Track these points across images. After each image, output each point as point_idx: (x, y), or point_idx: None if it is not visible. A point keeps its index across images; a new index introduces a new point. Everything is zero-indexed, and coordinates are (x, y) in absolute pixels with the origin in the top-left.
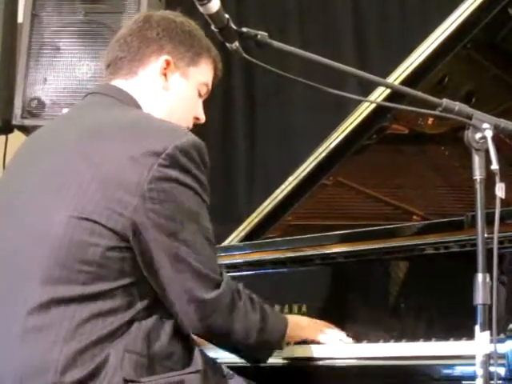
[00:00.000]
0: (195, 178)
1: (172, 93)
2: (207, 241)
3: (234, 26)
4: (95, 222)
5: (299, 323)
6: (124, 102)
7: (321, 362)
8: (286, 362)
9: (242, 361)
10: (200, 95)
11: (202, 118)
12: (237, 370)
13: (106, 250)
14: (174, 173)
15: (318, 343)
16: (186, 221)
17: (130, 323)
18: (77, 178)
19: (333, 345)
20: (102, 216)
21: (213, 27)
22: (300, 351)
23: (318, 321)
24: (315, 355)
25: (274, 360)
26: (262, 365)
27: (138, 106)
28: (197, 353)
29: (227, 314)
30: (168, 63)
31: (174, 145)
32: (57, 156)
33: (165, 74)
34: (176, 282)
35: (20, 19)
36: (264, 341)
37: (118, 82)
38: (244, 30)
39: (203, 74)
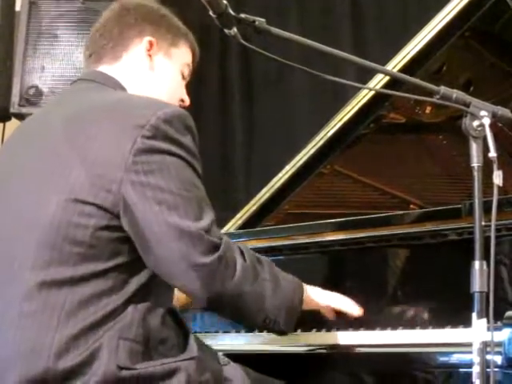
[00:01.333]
0: (180, 146)
1: (158, 73)
2: (200, 205)
3: (232, 12)
4: (83, 201)
5: (312, 288)
6: (109, 86)
7: (317, 350)
8: (282, 348)
9: (237, 348)
10: (183, 77)
11: (187, 100)
12: (232, 357)
13: (96, 229)
14: (158, 143)
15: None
16: (175, 188)
17: (123, 306)
18: (62, 161)
19: (329, 332)
20: (89, 194)
21: (211, 13)
22: (296, 339)
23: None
24: (311, 342)
25: (269, 347)
26: (260, 351)
27: (123, 89)
28: (191, 339)
29: (231, 276)
30: (151, 44)
31: (156, 116)
32: (43, 142)
33: (149, 56)
34: (172, 251)
35: (18, 7)
36: (282, 302)
37: (103, 68)
38: (242, 16)
39: (184, 54)
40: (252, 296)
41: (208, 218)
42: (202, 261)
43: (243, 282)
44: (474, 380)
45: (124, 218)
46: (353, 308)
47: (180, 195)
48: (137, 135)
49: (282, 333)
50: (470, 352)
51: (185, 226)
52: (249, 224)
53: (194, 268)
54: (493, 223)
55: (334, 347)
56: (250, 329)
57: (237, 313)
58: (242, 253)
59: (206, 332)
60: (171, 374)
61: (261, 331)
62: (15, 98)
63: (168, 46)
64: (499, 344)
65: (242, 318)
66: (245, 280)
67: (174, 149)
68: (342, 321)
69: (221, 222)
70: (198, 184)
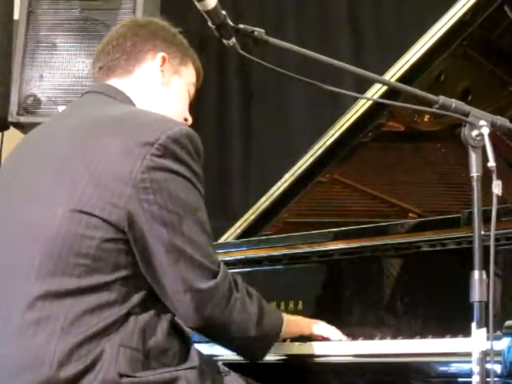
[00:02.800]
0: (188, 168)
1: (168, 88)
2: (203, 230)
3: (230, 23)
4: (90, 214)
5: (295, 319)
6: (118, 100)
7: (317, 360)
8: (281, 358)
9: (238, 358)
10: (189, 95)
11: (190, 120)
12: (233, 367)
13: (102, 242)
14: (166, 162)
15: (314, 339)
16: (180, 210)
17: (126, 317)
18: (70, 173)
19: (329, 341)
20: (96, 207)
21: (210, 24)
22: (296, 348)
23: (314, 320)
24: (311, 352)
25: (270, 357)
26: (259, 362)
27: (132, 104)
28: (193, 349)
29: (224, 304)
30: (164, 60)
31: (166, 135)
32: (51, 153)
33: (162, 71)
34: (172, 272)
35: (16, 16)
36: (262, 334)
37: (114, 81)
38: (241, 26)
39: (191, 74)
40: (236, 326)
41: (208, 243)
42: (199, 286)
43: (233, 313)
44: None
45: (129, 233)
46: (334, 336)
47: (185, 219)
48: (146, 152)
49: (253, 359)
50: (470, 361)
51: (188, 251)
52: (248, 233)
53: (190, 292)
54: (492, 232)
55: (334, 357)
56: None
57: (218, 339)
58: (236, 284)
59: (206, 342)
60: (171, 382)
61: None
62: (13, 107)
63: (178, 65)
64: (499, 353)
65: (220, 343)
66: (235, 310)
67: (182, 170)
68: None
69: (219, 230)
70: (202, 207)
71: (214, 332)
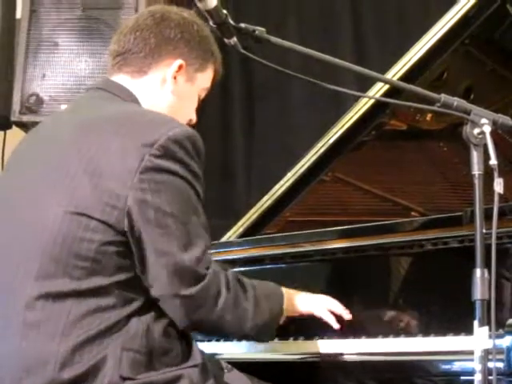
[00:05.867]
0: (188, 169)
1: (177, 96)
2: (197, 232)
3: (232, 22)
4: (89, 216)
5: (292, 299)
6: (122, 98)
7: (319, 358)
8: (284, 357)
9: (241, 356)
10: (199, 99)
11: (194, 120)
12: (236, 364)
13: (101, 245)
14: (166, 163)
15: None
16: (175, 212)
17: (127, 319)
18: (69, 172)
19: (330, 339)
20: (95, 210)
21: (211, 23)
22: (297, 347)
23: (315, 295)
24: (313, 350)
25: (272, 356)
26: (262, 360)
27: (137, 103)
28: (195, 347)
29: (213, 307)
30: (180, 68)
31: (166, 136)
32: (52, 151)
33: (175, 78)
34: (160, 277)
35: (18, 15)
36: (260, 326)
37: (121, 78)
38: (242, 25)
39: (207, 79)
40: (231, 323)
41: (201, 246)
42: (186, 292)
43: (224, 312)
44: None
45: (129, 233)
46: (331, 319)
47: (181, 222)
48: (145, 153)
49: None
50: (472, 360)
51: (177, 256)
52: (250, 232)
53: (178, 298)
54: (494, 231)
55: (335, 355)
56: None
57: (215, 335)
58: (227, 283)
59: (208, 341)
60: (174, 381)
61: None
62: (16, 106)
63: (194, 71)
64: (501, 351)
65: (220, 337)
66: (226, 310)
67: (181, 171)
68: (344, 329)
69: (222, 229)
70: (199, 210)
71: (209, 332)
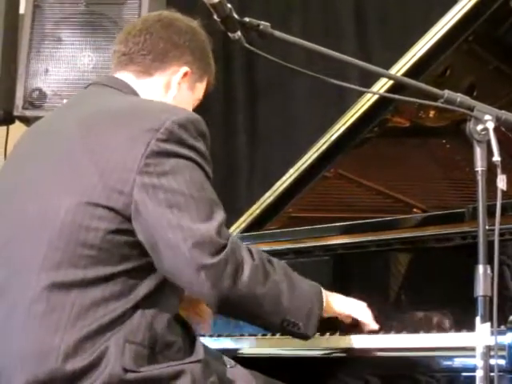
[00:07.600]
0: (193, 149)
1: (178, 102)
2: (211, 206)
3: (236, 16)
4: (96, 204)
5: (333, 295)
6: (124, 92)
7: (321, 353)
8: (289, 352)
9: (244, 351)
10: (192, 108)
11: None
12: (239, 360)
13: (107, 233)
14: (171, 146)
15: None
16: (186, 190)
17: (132, 311)
18: (74, 164)
19: (330, 337)
20: (101, 197)
21: (215, 17)
22: (299, 343)
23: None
24: (316, 345)
25: (276, 351)
26: (260, 355)
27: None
28: (198, 342)
29: (239, 274)
30: (185, 75)
31: (171, 120)
32: (56, 144)
33: (179, 84)
34: (181, 253)
35: (22, 10)
36: (299, 305)
37: (126, 76)
38: (246, 19)
39: (202, 90)
40: (266, 297)
41: (217, 219)
42: (209, 262)
43: (253, 282)
44: None
45: (135, 220)
46: (371, 322)
47: (192, 197)
48: (151, 138)
49: (304, 337)
50: (474, 356)
51: (194, 228)
52: (252, 227)
53: (202, 269)
54: (496, 227)
55: (336, 351)
56: (271, 332)
57: (252, 315)
58: (250, 253)
59: (210, 336)
60: (176, 376)
61: (282, 335)
62: (19, 101)
63: (195, 81)
64: (503, 348)
65: (259, 321)
66: (255, 279)
67: (186, 152)
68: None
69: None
70: (208, 186)
71: (243, 309)
